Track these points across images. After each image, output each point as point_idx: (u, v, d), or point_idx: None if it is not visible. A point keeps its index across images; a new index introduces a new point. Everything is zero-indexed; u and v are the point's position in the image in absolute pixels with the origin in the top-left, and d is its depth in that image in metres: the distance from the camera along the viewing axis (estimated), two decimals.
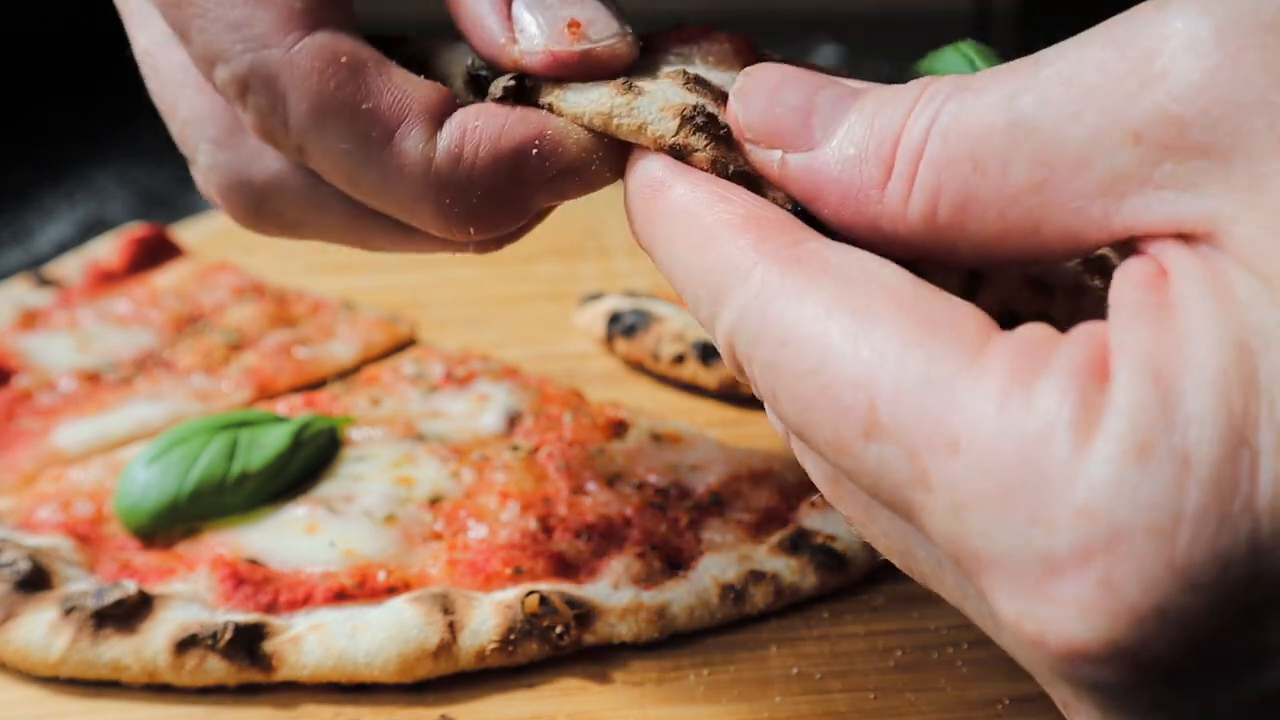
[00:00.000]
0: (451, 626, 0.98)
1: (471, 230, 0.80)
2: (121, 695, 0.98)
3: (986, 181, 0.59)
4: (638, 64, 0.79)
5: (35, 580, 1.02)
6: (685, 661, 1.01)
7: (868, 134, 0.64)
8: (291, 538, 1.11)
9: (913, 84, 0.64)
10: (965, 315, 0.58)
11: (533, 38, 0.77)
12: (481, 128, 0.76)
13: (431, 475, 1.20)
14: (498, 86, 0.80)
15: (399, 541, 1.10)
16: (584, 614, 1.01)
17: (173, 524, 1.12)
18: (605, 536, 1.11)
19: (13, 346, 1.47)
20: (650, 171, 0.72)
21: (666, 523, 1.13)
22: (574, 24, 0.78)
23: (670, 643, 1.03)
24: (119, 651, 0.97)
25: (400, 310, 1.67)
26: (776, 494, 1.18)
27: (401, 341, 1.60)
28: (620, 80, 0.78)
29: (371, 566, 1.07)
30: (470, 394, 1.37)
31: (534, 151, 0.76)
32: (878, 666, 1.00)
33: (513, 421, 1.31)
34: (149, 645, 0.97)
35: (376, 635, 0.98)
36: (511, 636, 0.99)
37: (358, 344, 1.54)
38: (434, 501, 1.16)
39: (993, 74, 0.61)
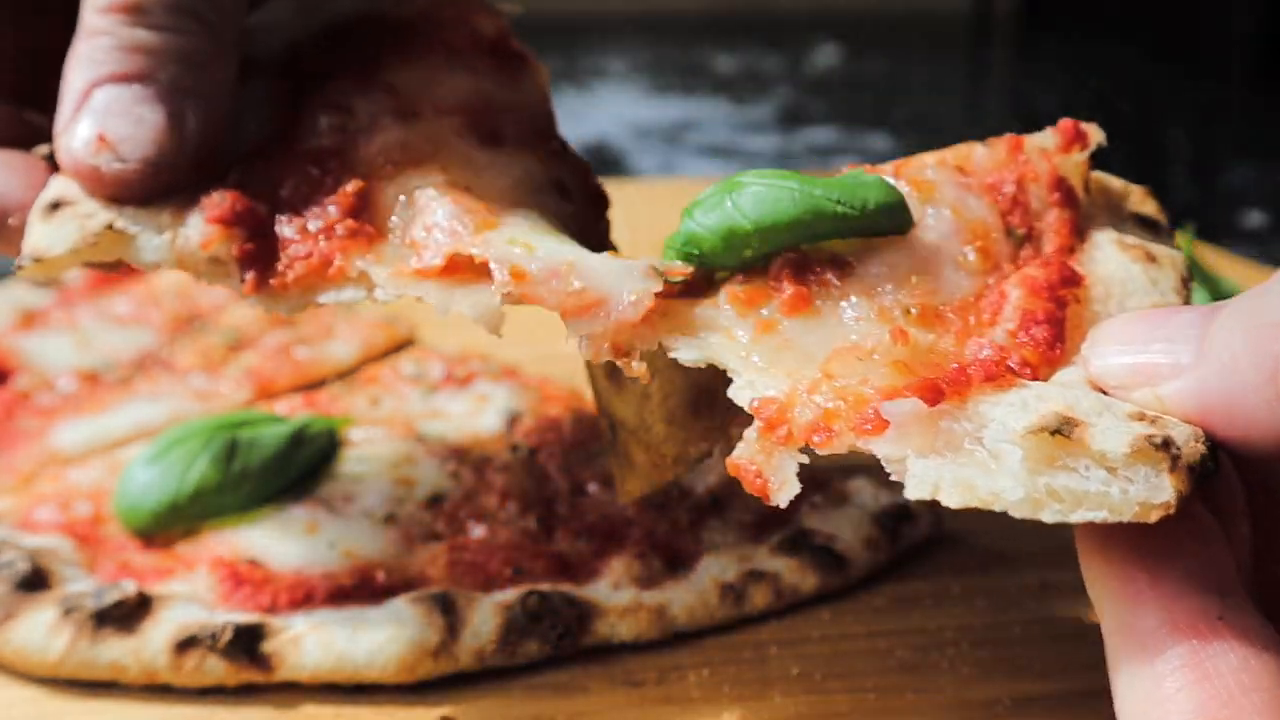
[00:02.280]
0: (452, 627, 0.98)
1: None
2: (121, 696, 0.97)
3: None
4: None
5: (34, 581, 1.01)
6: (685, 661, 1.01)
7: (1247, 343, 0.63)
8: (291, 538, 1.11)
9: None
10: None
11: (76, 137, 0.82)
12: None
13: (431, 475, 1.20)
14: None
15: (399, 541, 1.10)
16: (584, 614, 1.01)
17: (172, 524, 1.12)
18: (605, 536, 1.11)
19: (12, 346, 1.47)
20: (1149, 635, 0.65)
21: (666, 523, 1.13)
22: (103, 138, 0.82)
23: (670, 643, 1.03)
24: (118, 652, 0.97)
25: (399, 310, 1.67)
26: None
27: (401, 342, 1.60)
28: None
29: (371, 567, 1.07)
30: (470, 394, 1.37)
31: None
32: (878, 667, 1.00)
33: (513, 421, 1.31)
34: (148, 645, 0.97)
35: (377, 635, 0.98)
36: (511, 636, 0.99)
37: (357, 344, 1.55)
38: (434, 501, 1.16)
39: None
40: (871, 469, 1.26)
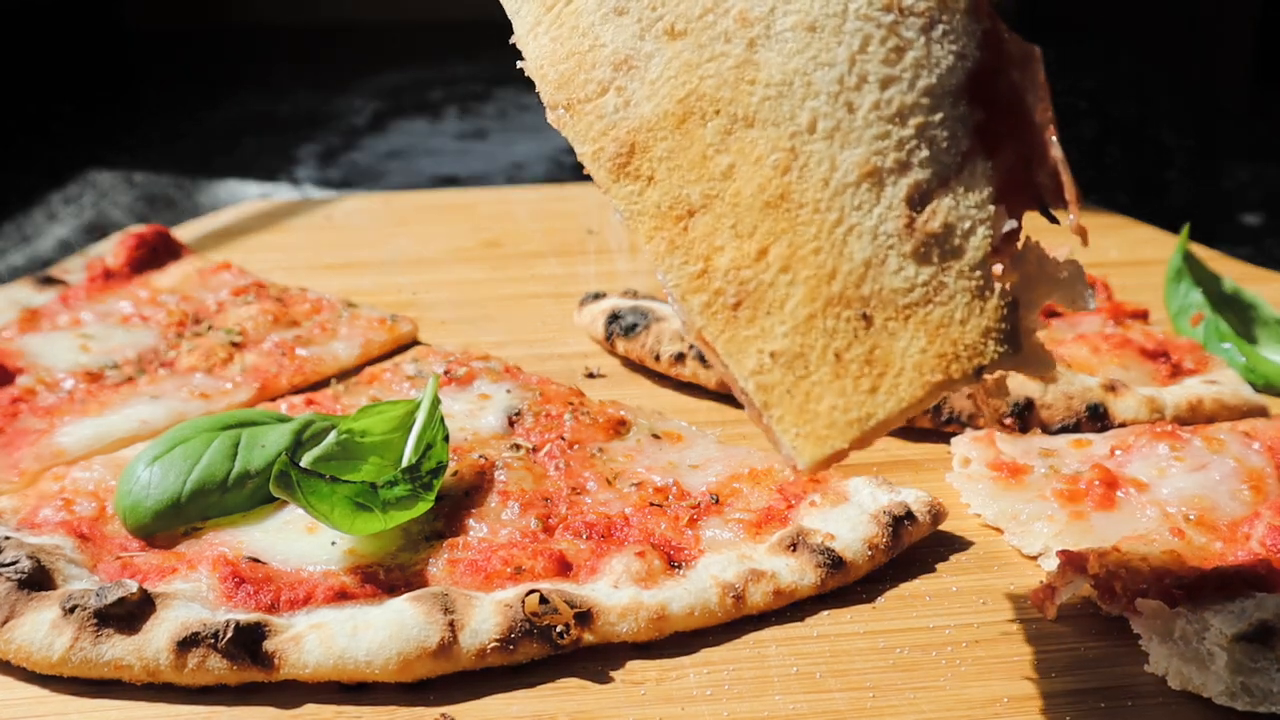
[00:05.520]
0: (452, 626, 0.99)
1: None
2: (123, 694, 0.98)
3: None
4: None
5: (37, 579, 1.02)
6: (685, 661, 1.02)
7: None
8: (293, 537, 1.11)
9: None
10: None
11: None
12: None
13: None
14: None
15: (399, 540, 1.10)
16: (584, 613, 1.01)
17: (174, 523, 1.12)
18: (605, 536, 1.12)
19: (16, 346, 1.47)
20: None
21: (666, 522, 1.13)
22: None
23: (670, 642, 1.03)
24: (120, 650, 0.97)
25: (401, 310, 1.67)
26: (776, 493, 1.18)
27: (403, 341, 1.60)
28: None
29: (372, 566, 1.07)
30: (471, 393, 1.37)
31: None
32: (877, 665, 1.01)
33: (513, 421, 1.31)
34: (150, 644, 0.97)
35: (377, 634, 0.98)
36: (512, 636, 0.99)
37: (359, 343, 1.55)
38: (435, 500, 1.16)
39: None
40: (871, 469, 1.27)
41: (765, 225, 0.77)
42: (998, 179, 0.76)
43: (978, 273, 0.74)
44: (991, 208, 0.75)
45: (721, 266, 0.78)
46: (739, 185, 0.78)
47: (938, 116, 0.76)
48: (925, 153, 0.75)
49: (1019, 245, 0.77)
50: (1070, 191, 0.76)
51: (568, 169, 2.79)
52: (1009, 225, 0.76)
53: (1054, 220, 0.79)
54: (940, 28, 0.76)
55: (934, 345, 0.74)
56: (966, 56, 0.76)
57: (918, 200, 0.75)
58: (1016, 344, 0.74)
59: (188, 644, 0.97)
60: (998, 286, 0.74)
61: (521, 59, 0.90)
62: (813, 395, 0.75)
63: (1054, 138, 0.76)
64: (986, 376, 0.76)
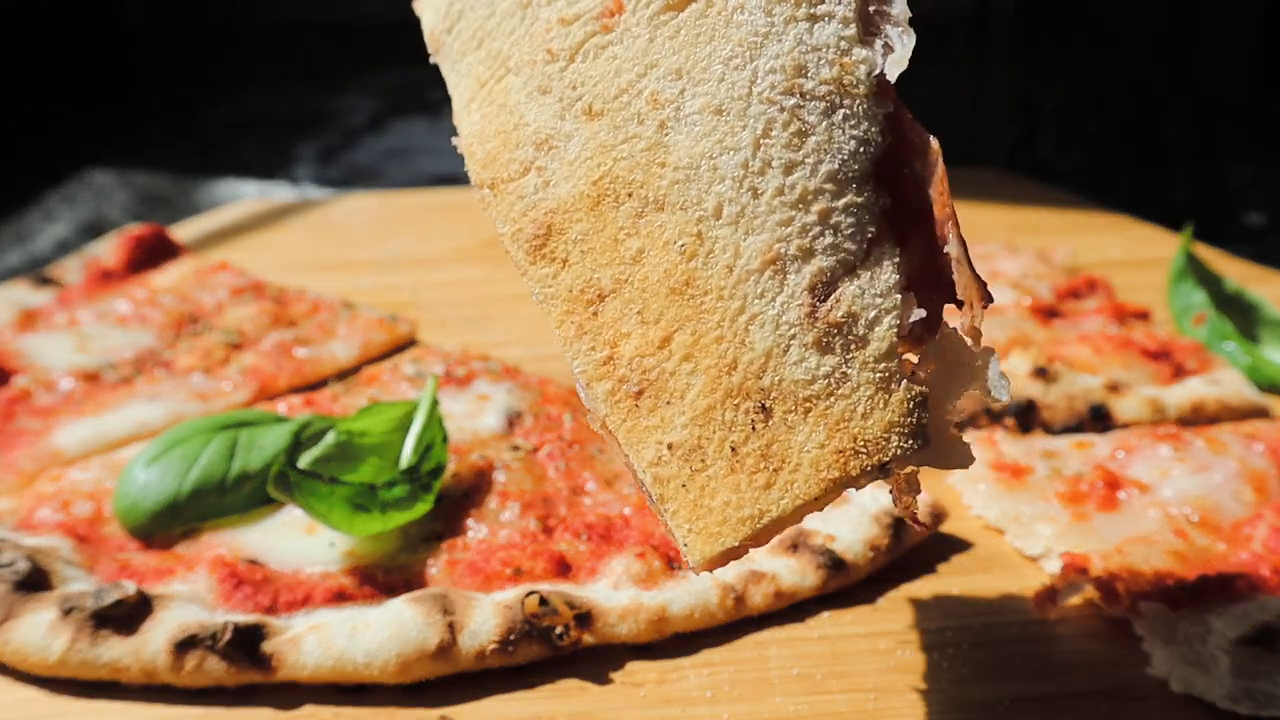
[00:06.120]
0: (451, 627, 0.98)
1: None
2: (121, 696, 0.97)
3: None
4: None
5: (34, 581, 1.01)
6: (685, 662, 1.01)
7: None
8: (291, 538, 1.11)
9: None
10: None
11: None
12: None
13: None
14: None
15: (399, 541, 1.10)
16: (584, 614, 1.01)
17: (172, 524, 1.12)
18: (605, 537, 1.11)
19: (12, 346, 1.47)
20: None
21: None
22: None
23: (670, 643, 1.03)
24: (118, 652, 0.97)
25: (400, 310, 1.67)
26: None
27: (401, 341, 1.60)
28: None
29: (371, 567, 1.07)
30: (470, 394, 1.37)
31: None
32: (878, 667, 1.00)
33: (513, 421, 1.31)
34: (148, 646, 0.97)
35: (376, 635, 0.98)
36: (511, 637, 0.99)
37: (358, 344, 1.54)
38: (434, 501, 1.15)
39: None
40: None
41: (670, 312, 0.75)
42: (908, 267, 0.73)
43: (883, 365, 0.71)
44: (899, 296, 0.72)
45: (627, 354, 0.75)
46: (647, 270, 0.76)
47: (841, 202, 0.73)
48: (829, 239, 0.73)
49: (938, 336, 0.73)
50: (967, 291, 0.72)
51: None
52: (918, 314, 0.72)
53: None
54: (841, 112, 0.74)
55: (833, 440, 0.71)
56: (870, 141, 0.73)
57: (821, 288, 0.72)
58: (924, 439, 0.70)
59: (186, 645, 0.97)
60: (904, 379, 0.71)
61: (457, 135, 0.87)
62: (708, 490, 0.72)
63: (952, 234, 0.72)
64: (896, 471, 0.72)
